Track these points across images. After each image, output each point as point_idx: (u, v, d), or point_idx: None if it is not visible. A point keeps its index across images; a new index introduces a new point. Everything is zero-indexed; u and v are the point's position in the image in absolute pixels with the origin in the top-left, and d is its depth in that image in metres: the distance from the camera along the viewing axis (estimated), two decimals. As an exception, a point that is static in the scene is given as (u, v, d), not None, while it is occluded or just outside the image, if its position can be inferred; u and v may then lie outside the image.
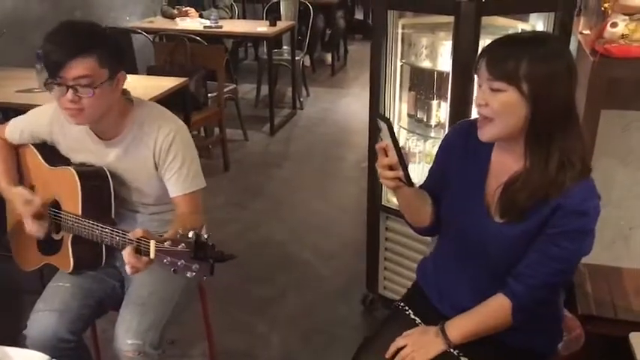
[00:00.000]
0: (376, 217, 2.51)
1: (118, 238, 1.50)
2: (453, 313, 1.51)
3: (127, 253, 1.38)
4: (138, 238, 1.38)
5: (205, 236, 1.30)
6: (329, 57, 6.92)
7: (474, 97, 1.40)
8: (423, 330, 1.53)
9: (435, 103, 2.34)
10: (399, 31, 2.26)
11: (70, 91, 1.55)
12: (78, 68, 1.54)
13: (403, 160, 1.34)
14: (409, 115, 2.48)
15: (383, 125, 1.33)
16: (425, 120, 2.39)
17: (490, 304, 1.44)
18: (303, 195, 3.86)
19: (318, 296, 2.83)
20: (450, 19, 2.01)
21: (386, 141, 1.34)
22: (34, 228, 1.73)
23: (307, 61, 6.61)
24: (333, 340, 2.52)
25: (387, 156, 1.35)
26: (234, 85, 4.61)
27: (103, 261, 1.74)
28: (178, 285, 1.77)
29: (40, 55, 1.57)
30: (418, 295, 1.68)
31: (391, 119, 2.43)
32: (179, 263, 1.29)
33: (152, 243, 1.33)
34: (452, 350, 1.47)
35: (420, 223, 1.60)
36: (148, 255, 1.34)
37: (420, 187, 1.63)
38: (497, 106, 1.32)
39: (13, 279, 2.26)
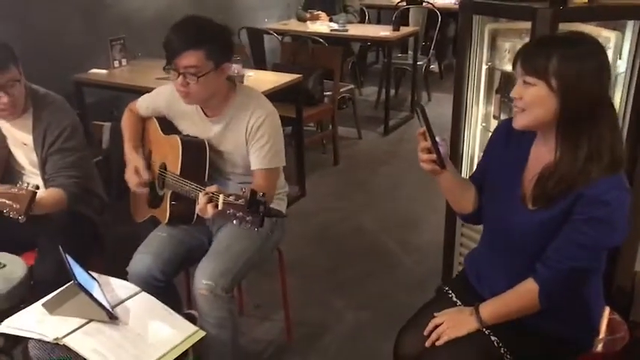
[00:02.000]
0: (453, 214, 2.61)
1: (199, 192, 1.78)
2: (490, 297, 1.62)
3: (201, 199, 1.67)
4: (213, 192, 1.66)
5: (260, 194, 1.55)
6: (458, 64, 6.92)
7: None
8: (460, 309, 1.67)
9: (517, 106, 2.39)
10: (486, 35, 2.36)
11: (181, 76, 1.89)
12: (187, 59, 1.85)
13: (436, 144, 1.49)
14: (494, 117, 2.55)
15: (419, 112, 1.49)
16: (507, 122, 2.45)
17: (519, 287, 1.54)
18: (402, 192, 4.02)
19: (396, 284, 2.98)
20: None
21: (424, 127, 1.50)
22: (137, 189, 2.11)
23: (435, 67, 6.70)
24: (403, 323, 2.65)
25: (426, 140, 1.52)
26: (352, 86, 4.86)
27: (194, 218, 2.04)
28: (252, 244, 2.05)
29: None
30: (463, 280, 1.80)
31: (475, 121, 2.53)
32: (237, 214, 1.56)
33: (221, 197, 1.62)
34: (484, 329, 1.58)
35: (462, 209, 1.73)
36: (217, 206, 1.62)
37: (469, 177, 1.77)
38: (528, 98, 1.43)
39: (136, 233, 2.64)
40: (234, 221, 1.58)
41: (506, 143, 1.63)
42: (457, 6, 6.43)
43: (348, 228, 3.56)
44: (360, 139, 4.97)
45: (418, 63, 5.47)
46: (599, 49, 1.42)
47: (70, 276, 1.61)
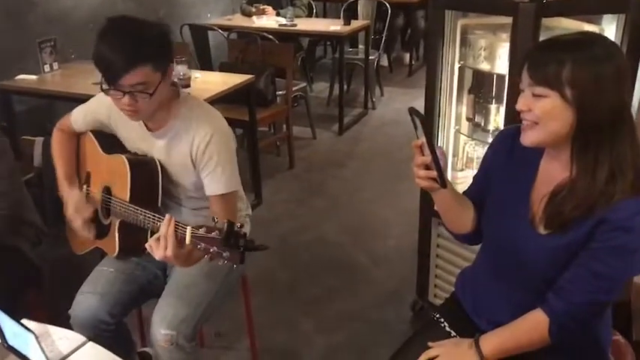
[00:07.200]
0: (428, 223, 2.44)
1: (159, 223, 1.52)
2: (489, 328, 1.45)
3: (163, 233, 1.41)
4: (176, 224, 1.40)
5: (238, 225, 1.31)
6: (407, 57, 6.82)
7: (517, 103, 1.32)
8: (457, 341, 1.49)
9: (493, 107, 2.24)
10: (458, 31, 2.19)
11: (127, 96, 1.58)
12: (134, 77, 1.55)
13: (437, 159, 1.29)
14: (467, 119, 2.39)
15: (418, 122, 1.28)
16: (482, 124, 2.30)
17: (527, 319, 1.37)
18: (363, 196, 3.83)
19: (367, 299, 2.79)
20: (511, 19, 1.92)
21: (422, 139, 1.30)
22: (83, 232, 1.84)
23: (384, 61, 6.55)
24: (378, 345, 2.47)
25: (423, 154, 1.31)
26: (305, 84, 4.64)
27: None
28: (216, 282, 1.80)
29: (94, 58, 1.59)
30: (455, 307, 1.63)
31: (448, 123, 2.36)
32: (212, 250, 1.31)
33: (188, 229, 1.36)
34: None
35: (458, 229, 1.55)
36: (184, 240, 1.37)
37: (464, 193, 1.58)
38: (540, 112, 1.25)
39: (78, 264, 2.35)
40: (207, 256, 1.34)
41: (509, 155, 1.44)
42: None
43: (310, 238, 3.34)
44: (315, 139, 4.76)
45: (370, 57, 5.29)
46: (616, 50, 1.25)
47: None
